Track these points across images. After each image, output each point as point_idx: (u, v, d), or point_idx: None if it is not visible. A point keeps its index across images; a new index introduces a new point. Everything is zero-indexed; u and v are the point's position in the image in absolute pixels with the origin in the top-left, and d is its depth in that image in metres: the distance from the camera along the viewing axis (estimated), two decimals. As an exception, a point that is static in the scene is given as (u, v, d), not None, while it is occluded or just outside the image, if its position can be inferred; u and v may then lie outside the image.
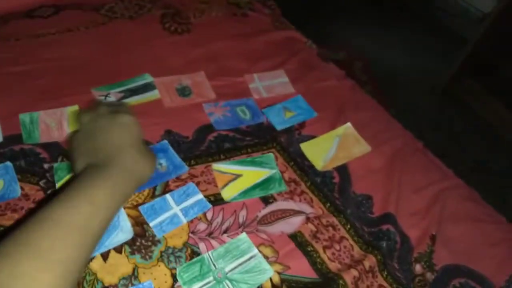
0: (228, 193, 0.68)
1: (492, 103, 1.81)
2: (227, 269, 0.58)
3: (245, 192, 0.69)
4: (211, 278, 0.57)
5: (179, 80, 0.85)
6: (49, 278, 0.32)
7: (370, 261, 0.63)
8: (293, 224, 0.66)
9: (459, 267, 0.65)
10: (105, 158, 0.47)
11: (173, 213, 0.63)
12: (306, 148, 0.78)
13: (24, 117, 0.70)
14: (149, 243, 0.59)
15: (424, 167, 0.80)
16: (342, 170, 0.75)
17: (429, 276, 0.63)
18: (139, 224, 0.60)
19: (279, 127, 0.81)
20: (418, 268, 0.64)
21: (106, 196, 0.43)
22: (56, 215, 0.37)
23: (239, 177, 0.71)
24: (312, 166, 0.75)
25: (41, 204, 0.54)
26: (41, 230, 0.35)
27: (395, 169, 0.77)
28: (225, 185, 0.69)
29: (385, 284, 0.61)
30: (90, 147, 0.49)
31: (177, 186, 0.67)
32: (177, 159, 0.70)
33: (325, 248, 0.64)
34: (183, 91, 0.83)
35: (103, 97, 0.77)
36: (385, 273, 0.62)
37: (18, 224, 0.36)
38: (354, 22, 2.27)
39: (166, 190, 0.66)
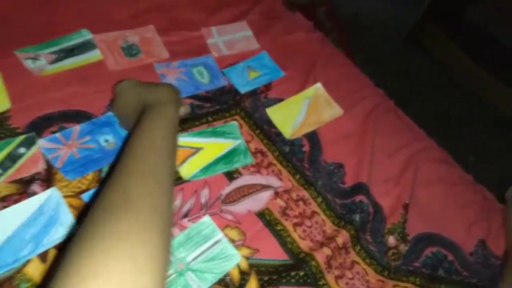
0: (187, 170, 0.61)
1: (455, 50, 1.78)
2: (189, 259, 0.53)
3: (207, 168, 0.62)
4: (171, 271, 0.51)
5: (125, 37, 0.73)
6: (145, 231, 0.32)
7: (343, 236, 0.59)
8: (260, 200, 0.61)
9: (431, 236, 0.63)
10: (142, 107, 0.49)
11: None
12: (273, 113, 0.71)
13: None
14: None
15: (396, 128, 0.75)
16: (312, 137, 0.70)
17: (403, 247, 0.61)
18: (83, 215, 0.53)
19: (242, 90, 0.72)
20: (391, 240, 0.61)
21: (163, 129, 0.45)
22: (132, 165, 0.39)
23: (200, 150, 0.63)
24: (280, 134, 0.69)
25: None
26: (123, 182, 0.36)
27: (367, 133, 0.72)
28: (184, 161, 0.61)
29: (358, 259, 0.59)
30: (128, 108, 0.53)
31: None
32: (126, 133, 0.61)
33: (295, 225, 0.60)
34: (130, 50, 0.72)
35: (30, 59, 0.64)
36: (358, 247, 0.59)
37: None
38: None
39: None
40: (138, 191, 0.35)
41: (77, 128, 0.59)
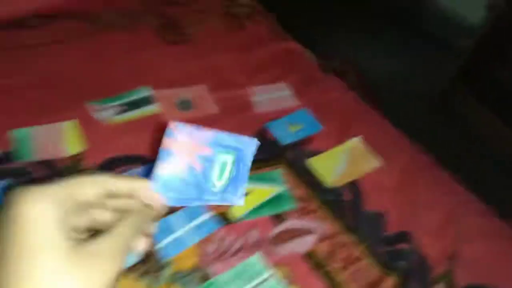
0: (237, 212, 0.64)
1: (484, 113, 1.82)
2: (240, 295, 0.54)
3: (254, 211, 0.65)
4: (223, 307, 0.53)
5: (179, 94, 0.81)
6: None
7: (387, 283, 0.60)
8: (306, 243, 0.63)
9: (481, 286, 0.63)
10: None
11: (181, 234, 0.59)
12: (315, 163, 0.75)
13: (15, 133, 0.65)
14: (157, 266, 0.55)
15: (435, 181, 0.78)
16: (353, 186, 0.73)
17: (452, 296, 0.61)
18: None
19: (284, 142, 0.78)
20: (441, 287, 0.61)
21: None
22: None
23: (247, 195, 0.67)
24: (321, 183, 0.72)
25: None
26: None
27: (406, 185, 0.74)
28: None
29: (406, 306, 0.58)
30: None
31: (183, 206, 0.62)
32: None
33: (341, 269, 0.61)
34: (184, 105, 0.80)
35: (99, 111, 0.72)
36: (405, 294, 0.59)
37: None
38: (341, 29, 2.27)
39: (172, 209, 0.62)
40: None
41: (138, 170, 0.65)
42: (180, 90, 0.82)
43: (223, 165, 0.32)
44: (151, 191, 0.29)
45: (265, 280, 0.56)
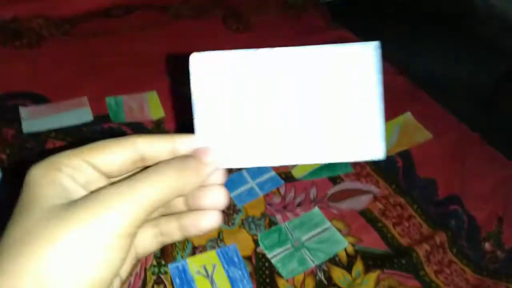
0: (298, 172, 0.72)
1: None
2: (303, 239, 0.61)
3: (314, 172, 0.72)
4: (289, 246, 0.60)
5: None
6: None
7: (440, 237, 0.64)
8: (361, 202, 0.69)
9: (530, 247, 0.66)
10: None
11: (250, 187, 0.67)
12: (368, 135, 0.81)
13: (110, 100, 0.76)
14: (231, 212, 0.63)
15: (485, 156, 0.81)
16: (405, 155, 0.78)
17: (500, 253, 0.64)
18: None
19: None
20: (487, 246, 0.65)
21: None
22: None
23: (307, 158, 0.74)
24: (374, 152, 0.78)
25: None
26: None
27: (457, 156, 0.78)
28: (295, 165, 0.73)
29: (455, 259, 0.63)
30: None
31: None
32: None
33: (394, 224, 0.66)
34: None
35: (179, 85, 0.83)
36: (455, 250, 0.64)
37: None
38: (391, 25, 2.29)
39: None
40: None
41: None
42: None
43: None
44: (203, 148, 0.24)
45: (325, 229, 0.63)
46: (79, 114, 0.72)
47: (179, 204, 0.26)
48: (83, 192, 0.22)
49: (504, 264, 0.63)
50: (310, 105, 0.23)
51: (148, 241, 0.26)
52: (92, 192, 0.21)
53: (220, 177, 0.25)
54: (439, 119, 0.88)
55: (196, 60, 0.23)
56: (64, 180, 0.21)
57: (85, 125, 0.71)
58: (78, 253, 0.19)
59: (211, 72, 0.23)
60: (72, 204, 0.20)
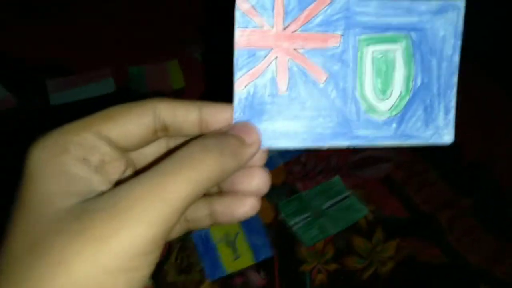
0: (319, 140, 0.71)
1: None
2: (324, 207, 0.62)
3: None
4: (309, 213, 0.61)
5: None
6: None
7: (464, 203, 0.64)
8: (383, 169, 0.69)
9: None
10: None
11: (270, 155, 0.68)
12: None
13: (133, 69, 0.77)
14: (252, 181, 0.64)
15: (510, 115, 0.78)
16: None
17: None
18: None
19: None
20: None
21: None
22: None
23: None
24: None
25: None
26: None
27: (481, 118, 0.76)
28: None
29: (479, 226, 0.63)
30: None
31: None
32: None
33: (416, 191, 0.66)
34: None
35: (199, 54, 0.82)
36: (479, 217, 0.63)
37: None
38: None
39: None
40: None
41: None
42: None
43: (388, 63, 0.20)
44: (244, 124, 0.20)
45: (346, 197, 0.64)
46: (101, 85, 0.73)
47: None
48: (97, 180, 0.18)
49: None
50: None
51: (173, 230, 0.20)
52: (110, 191, 0.17)
53: (261, 158, 0.21)
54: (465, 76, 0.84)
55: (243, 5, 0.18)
56: (74, 167, 0.17)
57: (107, 95, 0.73)
58: (96, 281, 0.15)
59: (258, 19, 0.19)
60: (86, 211, 0.16)
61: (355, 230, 0.60)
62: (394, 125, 0.20)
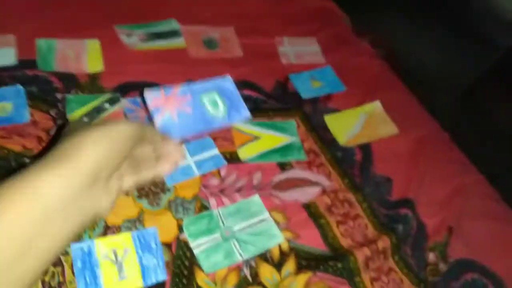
0: (245, 153, 0.65)
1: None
2: (236, 228, 0.55)
3: (263, 155, 0.65)
4: (218, 235, 0.54)
5: (207, 32, 0.81)
6: None
7: (384, 242, 0.60)
8: (308, 194, 0.63)
9: (473, 262, 0.62)
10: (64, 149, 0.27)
11: (187, 164, 0.60)
12: (331, 120, 0.74)
13: (41, 42, 0.66)
14: (158, 190, 0.56)
15: (449, 158, 0.76)
16: (365, 148, 0.72)
17: (442, 266, 0.60)
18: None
19: (305, 96, 0.77)
20: (431, 257, 0.61)
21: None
22: None
23: (258, 139, 0.67)
24: (334, 140, 0.72)
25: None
26: None
27: (419, 156, 0.73)
28: (243, 144, 0.66)
29: (396, 268, 0.59)
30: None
31: (194, 137, 0.63)
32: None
33: (338, 223, 0.61)
34: (210, 44, 0.79)
35: (125, 35, 0.72)
36: (397, 257, 0.60)
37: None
38: (387, 10, 2.18)
39: (182, 140, 0.62)
40: None
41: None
42: (207, 28, 0.81)
43: (213, 101, 0.39)
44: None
45: (262, 220, 0.57)
46: (0, 55, 0.62)
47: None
48: None
49: (443, 280, 0.59)
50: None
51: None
52: None
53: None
54: (410, 112, 0.82)
55: (148, 93, 0.34)
56: None
57: (5, 69, 0.61)
58: None
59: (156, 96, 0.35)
60: None
61: (265, 258, 0.54)
62: (227, 117, 0.37)
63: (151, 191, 0.56)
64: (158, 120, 0.35)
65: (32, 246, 0.23)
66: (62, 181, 0.25)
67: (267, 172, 0.64)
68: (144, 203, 0.54)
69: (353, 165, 0.69)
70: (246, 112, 0.39)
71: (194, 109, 0.39)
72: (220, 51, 0.78)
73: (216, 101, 0.41)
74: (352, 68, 0.86)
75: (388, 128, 0.75)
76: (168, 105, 0.38)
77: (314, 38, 0.88)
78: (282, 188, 0.63)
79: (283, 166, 0.65)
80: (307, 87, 0.79)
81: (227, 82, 0.41)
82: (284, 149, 0.67)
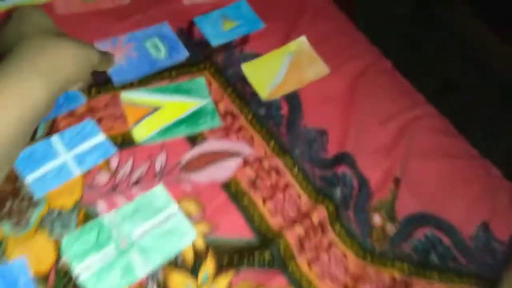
0: (142, 132, 0.52)
1: (468, 18, 1.64)
2: (135, 234, 0.45)
3: (166, 130, 0.53)
4: (111, 248, 0.43)
5: (78, -24, 0.62)
6: None
7: (320, 213, 0.51)
8: (227, 169, 0.52)
9: (424, 216, 0.55)
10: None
11: (62, 162, 0.47)
12: (250, 69, 0.61)
13: None
14: (25, 206, 0.44)
15: (392, 92, 0.65)
16: (292, 98, 0.60)
17: (390, 228, 0.53)
18: (11, 180, 0.44)
19: (215, 42, 0.62)
20: (377, 219, 0.53)
21: None
22: None
23: (158, 109, 0.54)
24: (255, 94, 0.59)
25: None
26: None
27: (357, 95, 0.62)
28: (139, 121, 0.52)
29: (337, 240, 0.50)
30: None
31: (69, 125, 0.50)
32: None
33: (265, 199, 0.51)
34: (84, -8, 0.62)
35: None
36: (338, 226, 0.51)
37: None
38: None
39: (52, 130, 0.49)
40: None
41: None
42: (79, -29, 0.63)
43: (154, 45, 0.50)
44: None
45: (170, 215, 0.46)
46: None
47: None
48: None
49: (392, 244, 0.51)
50: None
51: None
52: None
53: None
54: (344, 42, 0.69)
55: None
56: None
57: None
58: None
59: None
60: None
61: (176, 264, 0.44)
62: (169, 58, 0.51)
63: (14, 209, 0.43)
64: None
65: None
66: (48, 87, 0.35)
67: (173, 151, 0.52)
68: (5, 226, 0.42)
69: (280, 123, 0.58)
70: (185, 52, 0.53)
71: (139, 53, 0.50)
72: (101, 2, 0.61)
73: (157, 45, 0.53)
74: (273, -3, 0.70)
75: (317, 69, 0.63)
76: (116, 53, 0.50)
77: (222, -34, 0.71)
78: (194, 168, 0.51)
79: (193, 140, 0.53)
80: (218, 30, 0.64)
81: (165, 27, 0.56)
82: (193, 117, 0.55)
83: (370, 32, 0.74)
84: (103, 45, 0.56)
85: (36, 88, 0.35)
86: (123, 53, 0.57)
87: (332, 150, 0.57)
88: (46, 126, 0.49)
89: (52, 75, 0.36)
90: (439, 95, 0.83)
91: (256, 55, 0.63)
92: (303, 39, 0.65)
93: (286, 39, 0.65)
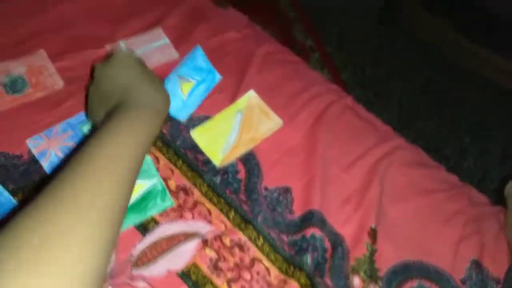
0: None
1: (432, 20, 1.63)
2: None
3: (112, 223, 0.48)
4: None
5: (7, 70, 0.59)
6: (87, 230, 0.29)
7: (290, 287, 0.46)
8: (184, 254, 0.48)
9: (408, 266, 0.50)
10: (119, 102, 0.42)
11: None
12: (200, 135, 0.57)
13: None
14: None
15: (354, 132, 0.62)
16: (249, 159, 0.56)
17: (373, 289, 0.48)
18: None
19: (183, 118, 0.58)
20: (356, 282, 0.48)
21: (127, 137, 0.37)
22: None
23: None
24: (208, 162, 0.55)
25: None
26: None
27: (317, 143, 0.58)
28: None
29: None
30: (103, 96, 0.44)
31: None
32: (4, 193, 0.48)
33: (230, 281, 0.46)
34: (14, 86, 0.58)
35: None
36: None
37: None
38: None
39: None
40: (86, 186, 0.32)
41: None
42: (8, 64, 0.60)
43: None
44: None
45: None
46: None
47: None
48: None
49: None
50: None
51: None
52: None
53: None
54: (298, 86, 0.66)
55: None
56: None
57: None
58: None
59: None
60: None
61: None
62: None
63: None
64: (45, 163, 0.45)
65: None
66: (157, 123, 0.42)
67: (122, 244, 0.47)
68: None
69: (238, 189, 0.53)
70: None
71: (77, 141, 0.49)
72: (31, 91, 0.58)
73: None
74: (217, 51, 0.67)
75: (270, 123, 0.59)
76: (51, 145, 0.47)
77: (159, 29, 0.69)
78: (147, 260, 0.47)
79: (144, 228, 0.49)
80: (179, 99, 0.59)
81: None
82: (142, 203, 0.50)
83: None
84: (37, 142, 0.52)
85: (157, 124, 0.42)
86: (59, 143, 0.53)
87: (298, 209, 0.53)
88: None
89: (160, 113, 0.43)
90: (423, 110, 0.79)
91: (204, 118, 0.59)
92: (251, 93, 0.61)
93: (235, 94, 0.62)
